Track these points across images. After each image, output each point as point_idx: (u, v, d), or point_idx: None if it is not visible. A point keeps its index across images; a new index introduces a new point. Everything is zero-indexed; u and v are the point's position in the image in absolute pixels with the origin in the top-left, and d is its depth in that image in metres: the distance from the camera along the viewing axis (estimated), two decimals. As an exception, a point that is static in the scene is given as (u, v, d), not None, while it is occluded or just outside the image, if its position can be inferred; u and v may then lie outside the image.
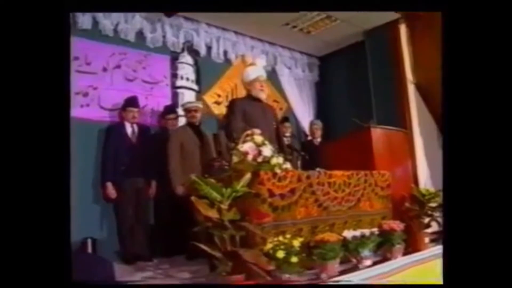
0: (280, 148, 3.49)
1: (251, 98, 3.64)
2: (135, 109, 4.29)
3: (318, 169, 3.03)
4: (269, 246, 2.32)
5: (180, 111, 4.77)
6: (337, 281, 2.39)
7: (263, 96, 3.69)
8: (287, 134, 5.21)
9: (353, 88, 6.31)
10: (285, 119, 5.67)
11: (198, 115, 4.38)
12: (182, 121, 4.70)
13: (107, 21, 4.55)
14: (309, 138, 5.83)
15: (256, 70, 3.69)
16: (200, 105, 4.52)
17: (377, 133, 4.04)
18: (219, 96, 5.57)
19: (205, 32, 5.39)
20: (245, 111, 3.47)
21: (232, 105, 3.61)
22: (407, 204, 3.64)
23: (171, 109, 4.73)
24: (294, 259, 2.27)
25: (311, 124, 5.79)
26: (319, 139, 5.59)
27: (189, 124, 4.37)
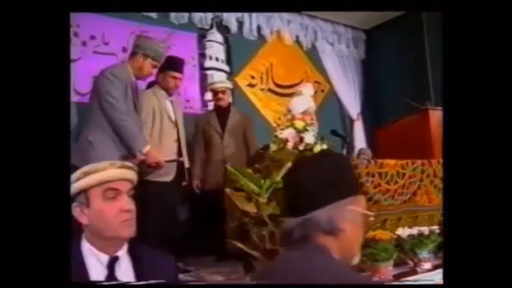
0: None
1: None
2: None
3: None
4: (313, 245, 2.29)
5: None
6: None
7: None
8: None
9: (406, 65, 6.14)
10: None
11: (226, 97, 4.16)
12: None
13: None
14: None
15: (304, 102, 3.36)
16: (229, 85, 4.32)
17: (436, 115, 3.92)
18: (252, 77, 5.54)
19: (236, 6, 5.38)
20: None
21: None
22: (472, 198, 3.53)
23: None
24: (342, 260, 2.23)
25: (359, 153, 5.23)
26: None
27: (217, 108, 4.19)
